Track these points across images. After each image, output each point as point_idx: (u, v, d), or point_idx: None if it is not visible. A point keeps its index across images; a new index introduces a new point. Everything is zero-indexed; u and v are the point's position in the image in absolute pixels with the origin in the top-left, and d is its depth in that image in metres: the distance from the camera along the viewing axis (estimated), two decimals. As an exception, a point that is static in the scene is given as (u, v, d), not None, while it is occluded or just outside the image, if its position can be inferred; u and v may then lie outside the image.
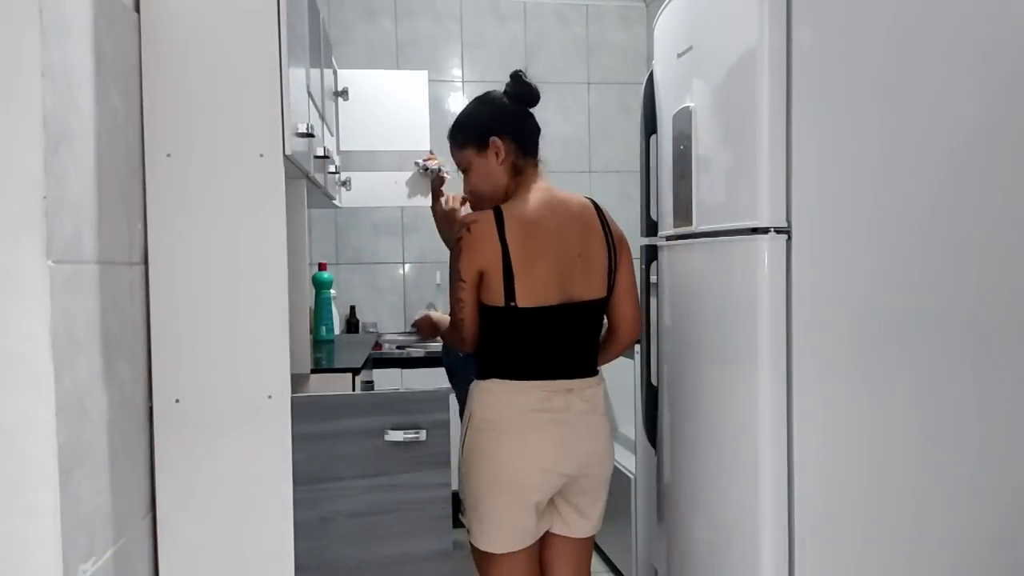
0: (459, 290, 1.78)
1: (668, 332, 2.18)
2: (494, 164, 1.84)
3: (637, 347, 2.57)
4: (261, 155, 1.34)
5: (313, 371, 2.17)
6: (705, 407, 1.94)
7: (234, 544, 1.35)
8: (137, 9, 1.29)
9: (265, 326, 1.35)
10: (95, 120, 1.11)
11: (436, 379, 2.78)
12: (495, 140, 1.84)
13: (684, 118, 2.00)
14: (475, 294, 1.78)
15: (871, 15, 1.68)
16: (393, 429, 1.56)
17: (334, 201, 2.54)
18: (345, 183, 2.64)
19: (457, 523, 1.76)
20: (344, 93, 2.63)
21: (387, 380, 3.24)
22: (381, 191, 2.83)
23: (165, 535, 1.33)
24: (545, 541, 1.90)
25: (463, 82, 3.95)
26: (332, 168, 2.23)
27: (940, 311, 1.71)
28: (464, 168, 1.90)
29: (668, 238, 2.16)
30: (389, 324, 3.89)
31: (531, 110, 1.95)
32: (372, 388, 2.78)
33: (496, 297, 1.75)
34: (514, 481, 1.76)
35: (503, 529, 1.78)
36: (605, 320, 1.93)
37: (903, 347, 1.70)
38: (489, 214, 1.77)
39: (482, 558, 1.85)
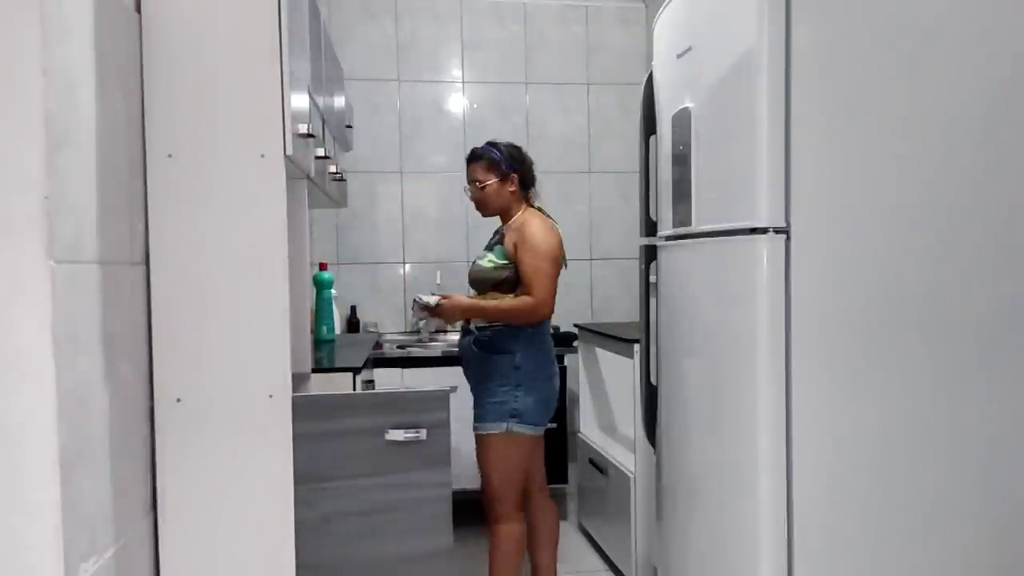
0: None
1: (668, 332, 2.19)
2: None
3: (636, 347, 2.58)
4: (262, 156, 1.34)
5: (314, 371, 2.17)
6: (705, 407, 1.94)
7: (235, 543, 1.35)
8: (138, 9, 1.29)
9: (266, 326, 1.35)
10: (96, 120, 1.12)
11: (437, 379, 2.78)
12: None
13: (683, 119, 2.00)
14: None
15: (870, 15, 1.68)
16: (393, 428, 1.56)
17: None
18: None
19: (456, 524, 1.76)
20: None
21: (387, 380, 3.25)
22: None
23: (166, 534, 1.33)
24: None
25: (463, 83, 3.96)
26: (333, 168, 2.24)
27: (940, 311, 1.71)
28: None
29: (668, 238, 2.17)
30: (390, 324, 3.90)
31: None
32: (373, 388, 2.78)
33: None
34: None
35: None
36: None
37: (902, 347, 1.70)
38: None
39: None
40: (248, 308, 1.34)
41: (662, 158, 2.20)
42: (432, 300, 2.42)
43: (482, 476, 2.44)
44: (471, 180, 2.50)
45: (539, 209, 2.54)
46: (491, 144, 2.52)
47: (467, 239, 3.88)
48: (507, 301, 2.38)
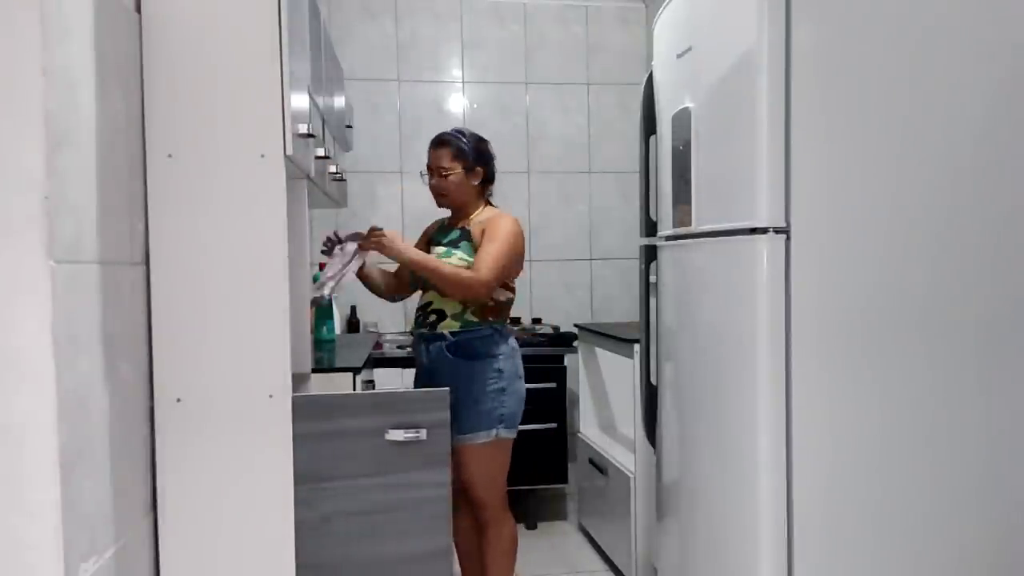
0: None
1: (668, 332, 2.19)
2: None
3: (636, 347, 2.58)
4: (262, 156, 1.34)
5: (314, 371, 2.17)
6: (705, 406, 1.94)
7: (235, 543, 1.35)
8: (138, 9, 1.29)
9: (266, 325, 1.35)
10: (96, 120, 1.12)
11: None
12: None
13: (683, 119, 2.00)
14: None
15: (870, 15, 1.69)
16: (393, 428, 1.56)
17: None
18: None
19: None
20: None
21: (387, 380, 3.25)
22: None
23: (166, 534, 1.33)
24: None
25: (463, 83, 3.96)
26: (333, 168, 2.24)
27: (939, 311, 1.71)
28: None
29: (668, 238, 2.17)
30: (389, 324, 3.90)
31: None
32: (373, 388, 2.78)
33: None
34: None
35: None
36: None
37: (902, 347, 1.70)
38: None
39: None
40: (248, 308, 1.34)
41: (662, 158, 2.20)
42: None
43: (464, 485, 2.32)
44: (435, 167, 2.38)
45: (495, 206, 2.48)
46: (458, 131, 2.43)
47: (467, 239, 3.88)
48: (452, 266, 2.26)
